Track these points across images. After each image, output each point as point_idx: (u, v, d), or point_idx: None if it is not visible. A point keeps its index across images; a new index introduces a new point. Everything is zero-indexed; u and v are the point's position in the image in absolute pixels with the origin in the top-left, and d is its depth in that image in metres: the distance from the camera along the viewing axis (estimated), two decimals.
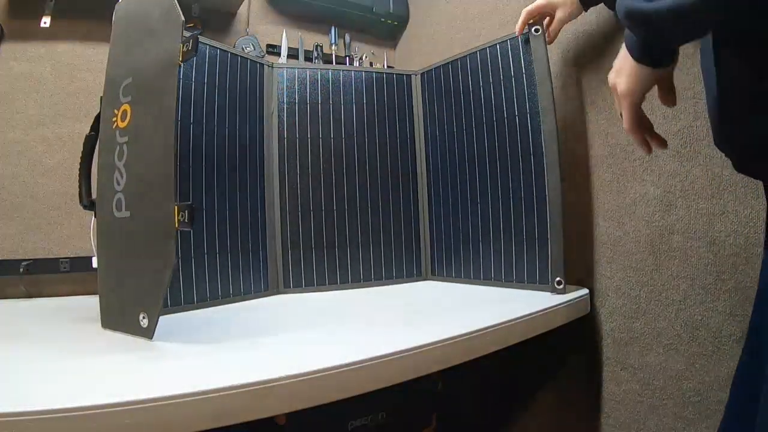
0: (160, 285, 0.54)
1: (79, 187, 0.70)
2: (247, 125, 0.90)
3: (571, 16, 0.82)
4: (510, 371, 0.99)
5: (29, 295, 0.92)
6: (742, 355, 0.54)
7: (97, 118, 0.68)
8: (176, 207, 0.54)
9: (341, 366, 0.46)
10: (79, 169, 0.71)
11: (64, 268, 0.95)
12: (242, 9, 1.20)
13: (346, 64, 1.34)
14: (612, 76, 0.53)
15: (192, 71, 0.80)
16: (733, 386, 0.54)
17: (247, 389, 0.40)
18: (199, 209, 0.78)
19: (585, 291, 0.82)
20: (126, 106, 0.62)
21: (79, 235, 0.98)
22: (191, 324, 0.66)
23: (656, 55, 0.47)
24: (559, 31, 0.84)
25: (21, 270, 0.91)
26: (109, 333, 0.59)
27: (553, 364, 0.92)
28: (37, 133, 0.97)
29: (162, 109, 0.57)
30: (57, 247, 0.96)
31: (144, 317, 0.55)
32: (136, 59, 0.63)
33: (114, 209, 0.61)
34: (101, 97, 0.68)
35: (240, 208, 0.87)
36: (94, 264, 0.95)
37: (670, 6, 0.37)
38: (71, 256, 0.97)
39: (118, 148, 0.62)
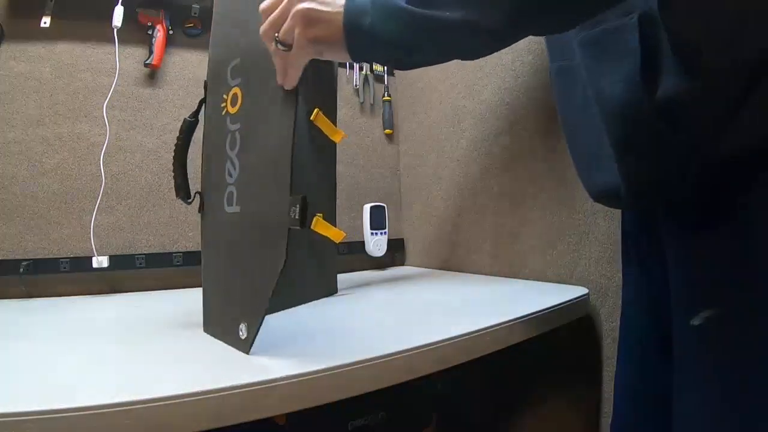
0: (264, 292, 0.48)
1: (174, 178, 0.63)
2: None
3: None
4: (510, 371, 0.99)
5: (29, 295, 0.92)
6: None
7: (200, 104, 0.63)
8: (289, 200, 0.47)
9: (341, 366, 0.46)
10: (174, 159, 0.63)
11: (64, 268, 0.95)
12: None
13: (345, 65, 1.34)
14: (294, 25, 0.46)
15: None
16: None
17: (247, 389, 0.40)
18: None
19: (585, 291, 0.82)
20: (236, 89, 0.57)
21: (79, 235, 0.98)
22: None
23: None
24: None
25: (21, 270, 0.91)
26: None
27: (552, 364, 0.92)
28: (37, 133, 0.97)
29: (276, 91, 0.50)
30: (57, 247, 0.96)
31: (243, 328, 0.50)
32: (243, 38, 0.57)
33: (225, 203, 0.56)
34: (205, 81, 0.63)
35: None
36: (95, 264, 0.97)
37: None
38: (71, 256, 0.97)
39: (230, 135, 0.56)
